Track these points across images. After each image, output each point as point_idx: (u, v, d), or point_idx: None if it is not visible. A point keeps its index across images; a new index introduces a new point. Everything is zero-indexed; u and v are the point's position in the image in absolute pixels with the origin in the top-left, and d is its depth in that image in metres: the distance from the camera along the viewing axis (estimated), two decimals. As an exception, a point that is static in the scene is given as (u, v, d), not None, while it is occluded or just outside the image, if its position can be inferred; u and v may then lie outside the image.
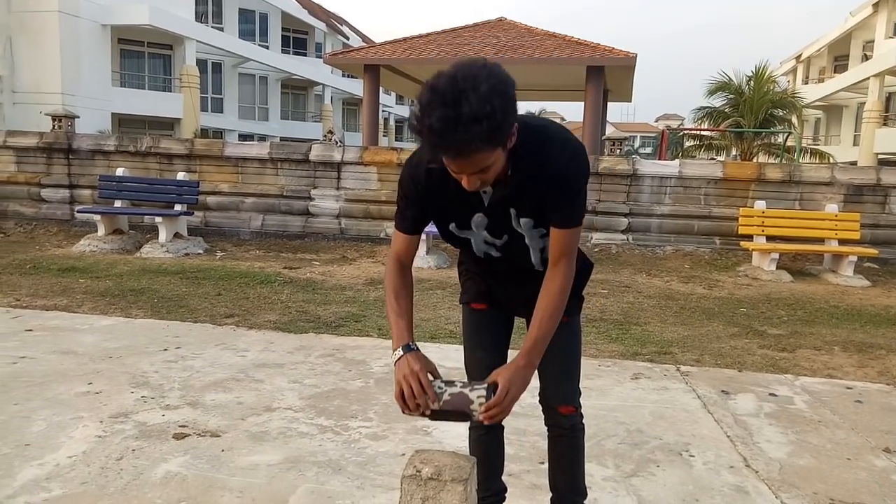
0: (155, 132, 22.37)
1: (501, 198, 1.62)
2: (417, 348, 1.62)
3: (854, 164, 23.40)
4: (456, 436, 2.80)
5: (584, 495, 1.97)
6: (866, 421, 3.25)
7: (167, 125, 22.68)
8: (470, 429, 1.95)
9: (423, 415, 1.51)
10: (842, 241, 7.95)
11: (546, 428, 1.93)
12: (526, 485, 2.40)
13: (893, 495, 2.48)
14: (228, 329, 4.56)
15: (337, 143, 9.67)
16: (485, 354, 1.90)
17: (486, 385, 1.53)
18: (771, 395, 3.59)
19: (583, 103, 13.33)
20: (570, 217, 1.61)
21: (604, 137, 9.81)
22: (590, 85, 12.58)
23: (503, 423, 1.83)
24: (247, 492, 2.27)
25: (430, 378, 1.55)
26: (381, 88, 14.75)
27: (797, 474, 2.62)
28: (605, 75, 12.88)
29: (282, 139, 29.02)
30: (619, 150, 9.42)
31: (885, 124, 23.75)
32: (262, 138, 28.69)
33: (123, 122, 21.46)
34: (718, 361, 4.29)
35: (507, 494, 2.04)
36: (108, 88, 19.89)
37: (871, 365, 4.35)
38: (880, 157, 23.16)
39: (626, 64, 12.46)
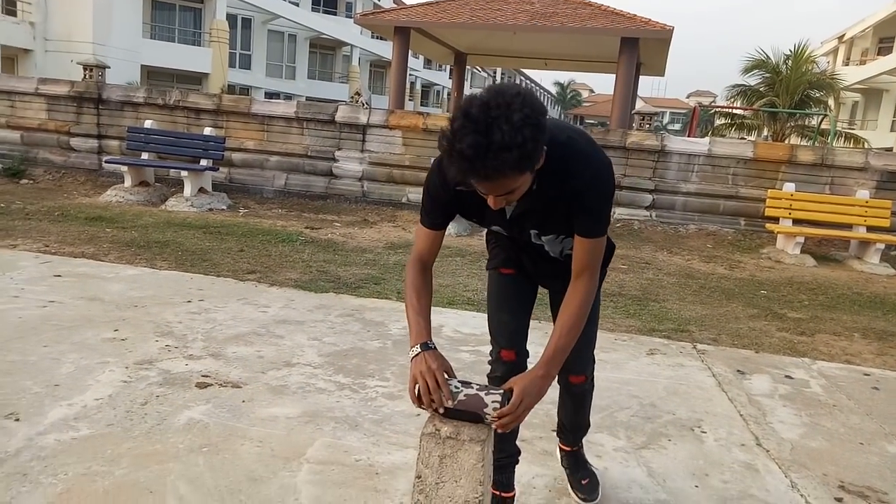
0: (183, 86, 22.43)
1: (522, 213, 1.67)
2: (435, 347, 1.65)
3: (889, 150, 22.80)
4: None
5: (588, 427, 2.23)
6: (882, 408, 3.24)
7: (195, 79, 22.70)
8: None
9: (435, 411, 1.53)
10: (870, 228, 7.81)
11: (558, 385, 2.03)
12: (538, 451, 2.44)
13: (904, 482, 2.49)
14: (250, 285, 4.63)
15: (363, 105, 9.62)
16: (511, 318, 1.95)
17: (502, 391, 1.54)
18: (787, 377, 3.58)
19: (614, 75, 13.08)
20: (594, 229, 1.64)
21: (633, 111, 9.65)
22: (623, 57, 12.31)
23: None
24: (266, 442, 2.33)
25: (446, 377, 1.57)
26: (409, 52, 14.59)
27: (808, 455, 2.63)
28: (640, 48, 12.60)
29: (308, 99, 28.94)
30: (648, 125, 9.26)
31: (925, 110, 23.01)
32: (289, 97, 28.65)
33: (152, 75, 21.53)
34: (735, 341, 4.27)
35: (520, 458, 2.08)
36: (138, 40, 19.93)
37: (890, 353, 4.31)
38: (918, 143, 22.52)
39: (662, 37, 12.16)
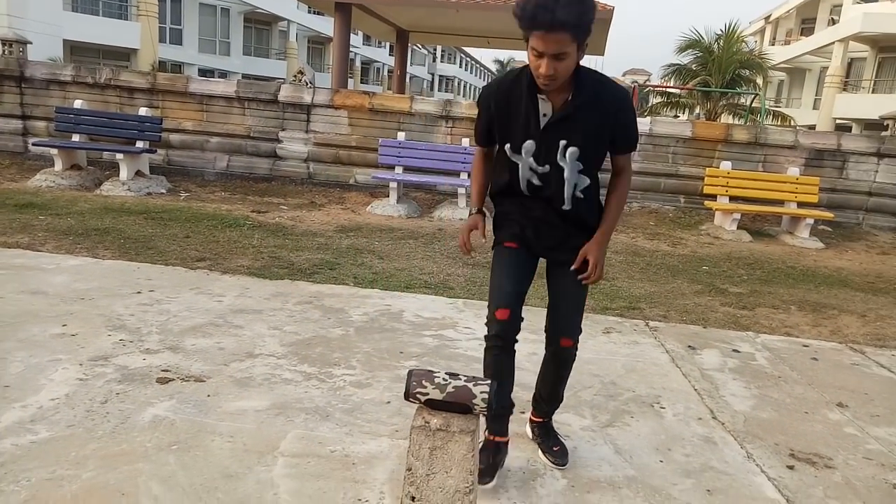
0: (109, 62, 21.31)
1: (558, 119, 2.01)
2: (481, 211, 2.26)
3: (813, 127, 23.97)
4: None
5: (560, 401, 2.41)
6: (821, 377, 3.45)
7: (122, 55, 21.61)
8: (486, 349, 2.16)
9: (423, 402, 1.55)
10: (800, 204, 8.21)
11: (545, 352, 2.31)
12: (510, 433, 2.48)
13: (846, 446, 2.66)
14: (202, 273, 4.50)
15: (307, 84, 9.39)
16: (508, 283, 2.15)
17: (488, 381, 1.57)
18: (734, 351, 3.76)
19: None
20: (628, 144, 2.13)
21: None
22: (565, 36, 12.41)
23: (516, 348, 2.16)
24: (237, 436, 2.29)
25: (434, 371, 1.65)
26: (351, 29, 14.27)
27: (760, 426, 2.78)
28: (580, 27, 12.70)
29: (244, 76, 28.01)
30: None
31: (844, 90, 24.22)
32: (223, 74, 27.65)
33: (75, 51, 20.35)
34: (684, 317, 4.45)
35: (513, 410, 2.31)
36: (59, 12, 18.75)
37: (824, 324, 4.57)
38: (838, 121, 23.71)
39: (603, 17, 12.29)
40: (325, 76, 26.51)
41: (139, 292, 3.89)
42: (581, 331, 2.25)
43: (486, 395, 1.54)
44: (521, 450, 2.39)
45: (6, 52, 9.47)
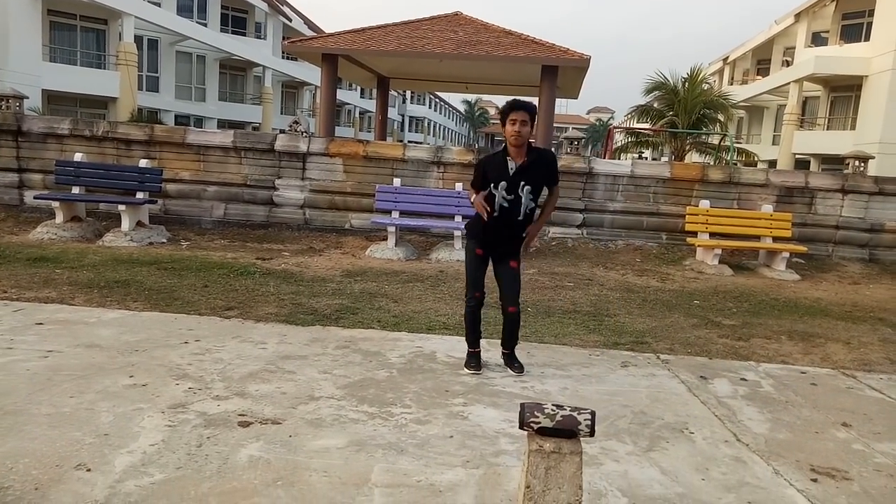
0: (87, 111, 21.39)
1: (519, 171, 3.71)
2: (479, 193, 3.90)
3: (774, 162, 25.09)
4: (490, 419, 3.16)
5: (517, 341, 4.06)
6: (823, 400, 3.82)
7: (100, 104, 21.72)
8: (466, 310, 4.01)
9: (535, 430, 1.84)
10: (775, 239, 8.76)
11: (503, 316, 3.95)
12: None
13: (857, 460, 3.01)
14: (236, 322, 4.72)
15: (303, 133, 9.73)
16: (480, 275, 3.93)
17: (589, 410, 1.88)
18: (742, 379, 4.12)
19: (534, 98, 13.81)
20: (555, 181, 3.94)
21: (563, 136, 10.30)
22: (544, 83, 13.07)
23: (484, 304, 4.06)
24: (331, 471, 2.54)
25: (542, 403, 1.93)
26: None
27: (780, 446, 3.12)
28: (558, 74, 13.41)
29: (219, 121, 28.28)
30: (576, 149, 9.94)
31: (801, 127, 25.51)
32: (199, 120, 27.88)
33: (52, 99, 20.41)
34: (689, 350, 4.81)
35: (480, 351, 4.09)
36: (37, 63, 18.87)
37: (814, 352, 4.98)
38: (797, 157, 24.92)
39: (580, 65, 13.02)
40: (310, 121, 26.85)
41: (186, 342, 4.10)
42: (519, 297, 3.90)
43: (589, 422, 1.84)
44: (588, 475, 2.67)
45: (4, 108, 9.62)
